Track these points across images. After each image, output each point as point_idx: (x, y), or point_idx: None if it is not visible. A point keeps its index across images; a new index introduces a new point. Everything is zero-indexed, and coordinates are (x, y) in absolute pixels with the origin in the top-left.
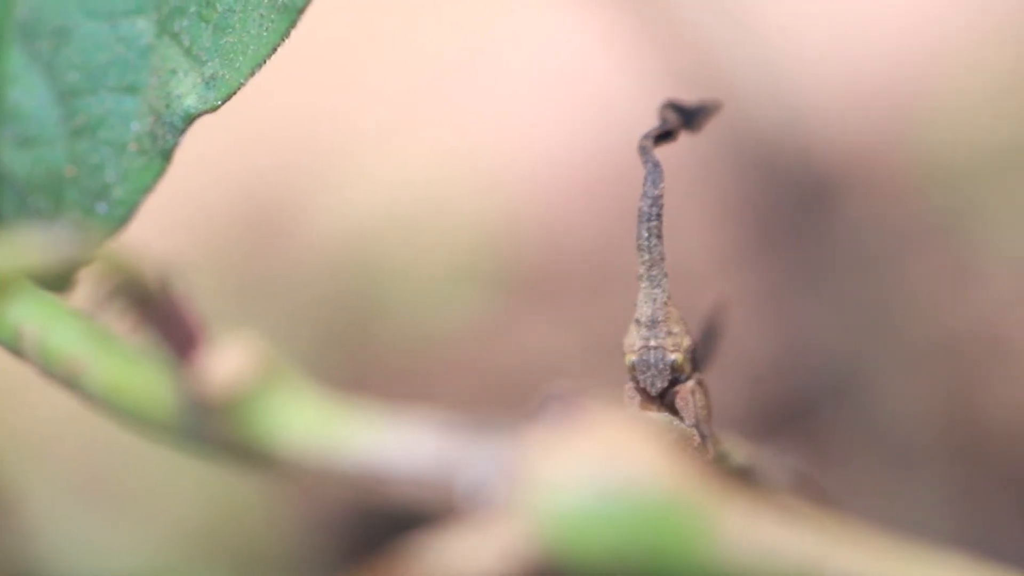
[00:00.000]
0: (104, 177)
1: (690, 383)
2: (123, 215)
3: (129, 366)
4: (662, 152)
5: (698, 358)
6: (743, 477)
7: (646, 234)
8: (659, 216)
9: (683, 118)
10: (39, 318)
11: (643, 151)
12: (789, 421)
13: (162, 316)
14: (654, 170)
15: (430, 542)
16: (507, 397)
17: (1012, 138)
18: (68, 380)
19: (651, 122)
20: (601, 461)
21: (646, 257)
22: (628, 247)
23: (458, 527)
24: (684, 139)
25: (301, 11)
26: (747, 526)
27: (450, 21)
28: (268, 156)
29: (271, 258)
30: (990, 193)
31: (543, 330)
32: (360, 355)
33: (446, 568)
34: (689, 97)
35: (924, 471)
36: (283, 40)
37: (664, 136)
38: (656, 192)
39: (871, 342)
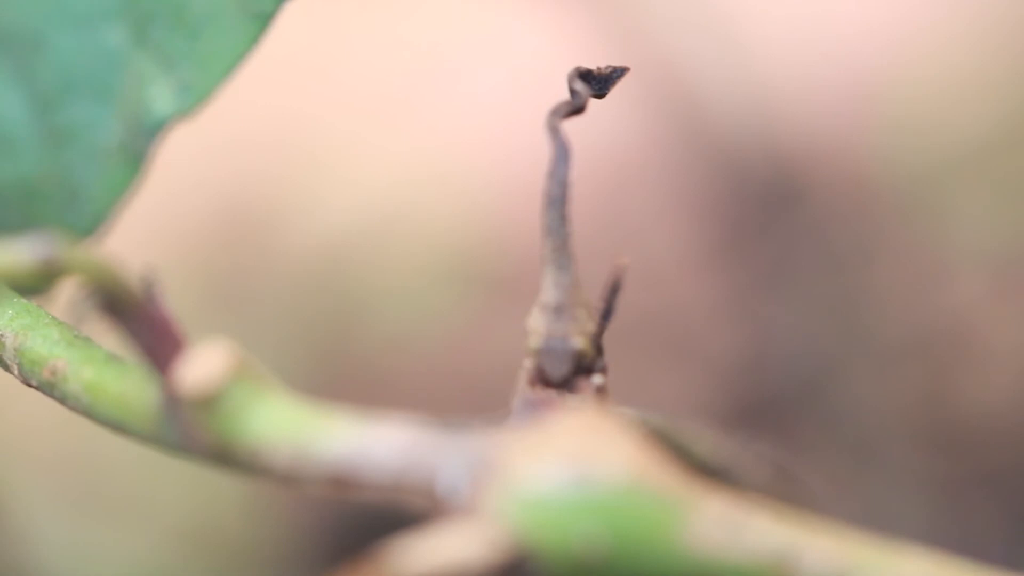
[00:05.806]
0: (81, 184)
1: (586, 377)
2: (101, 222)
3: (108, 371)
4: (632, 153)
5: (602, 321)
6: (709, 469)
7: (556, 218)
8: (567, 198)
9: (594, 87)
10: (18, 324)
11: (552, 130)
12: (759, 420)
13: (141, 321)
14: (562, 150)
15: (406, 542)
16: (485, 399)
17: (978, 137)
18: (47, 386)
19: (619, 124)
20: (573, 456)
21: (555, 240)
22: (603, 248)
23: (434, 526)
24: (653, 143)
25: (271, 17)
26: (720, 517)
27: (422, 25)
28: (242, 163)
29: (246, 264)
30: (956, 191)
31: (520, 331)
32: (338, 360)
33: (421, 567)
34: (671, 97)
35: (894, 468)
36: (254, 47)
37: (574, 111)
38: (565, 173)
39: (840, 340)
